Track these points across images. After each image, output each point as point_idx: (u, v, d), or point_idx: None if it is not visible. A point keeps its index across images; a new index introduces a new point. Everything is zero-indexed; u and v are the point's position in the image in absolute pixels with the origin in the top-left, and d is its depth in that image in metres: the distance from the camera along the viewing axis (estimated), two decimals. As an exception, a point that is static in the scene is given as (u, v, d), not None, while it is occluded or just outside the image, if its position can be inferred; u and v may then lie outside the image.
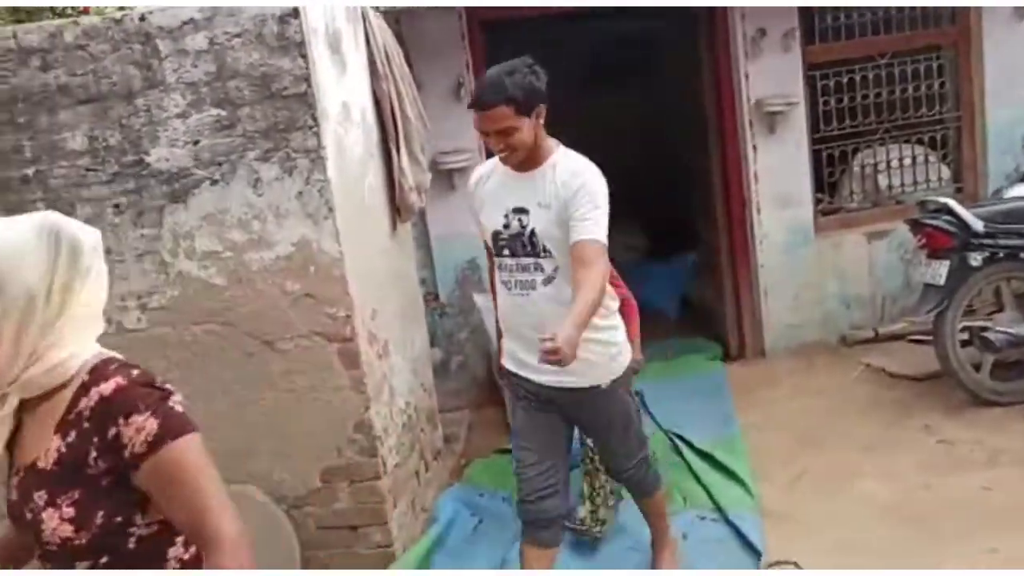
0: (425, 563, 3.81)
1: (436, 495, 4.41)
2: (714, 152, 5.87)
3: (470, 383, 5.79)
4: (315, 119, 3.31)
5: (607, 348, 3.05)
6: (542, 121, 2.88)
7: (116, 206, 3.44)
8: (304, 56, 3.28)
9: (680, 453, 4.67)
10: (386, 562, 3.65)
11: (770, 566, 3.54)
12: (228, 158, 3.36)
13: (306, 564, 3.58)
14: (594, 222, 2.78)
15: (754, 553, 3.63)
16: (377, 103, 4.07)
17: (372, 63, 4.04)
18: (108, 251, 3.34)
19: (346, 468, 3.59)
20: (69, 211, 3.42)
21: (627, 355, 3.16)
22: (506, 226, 2.97)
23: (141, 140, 3.37)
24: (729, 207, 5.84)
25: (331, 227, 3.39)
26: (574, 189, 2.82)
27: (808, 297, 5.85)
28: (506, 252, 3.00)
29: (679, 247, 7.43)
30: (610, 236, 8.23)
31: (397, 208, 4.23)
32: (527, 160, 2.91)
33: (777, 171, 5.68)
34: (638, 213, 8.63)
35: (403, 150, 4.13)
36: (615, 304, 3.16)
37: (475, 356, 5.79)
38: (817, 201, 5.86)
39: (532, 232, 2.91)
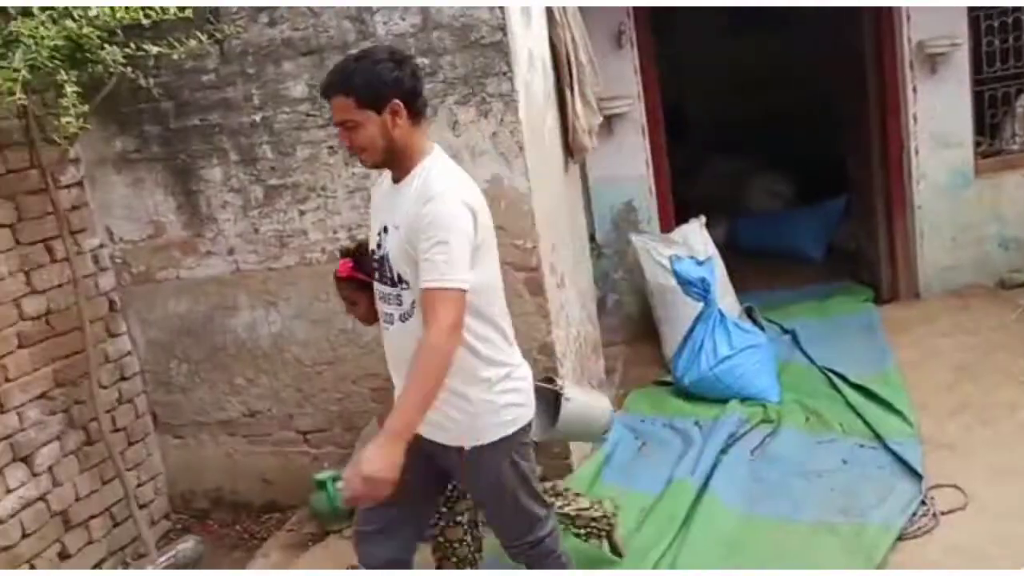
0: (596, 477, 4.15)
1: (602, 419, 4.73)
2: (872, 94, 5.88)
3: (625, 320, 6.07)
4: (509, 65, 3.62)
5: (470, 405, 2.48)
6: (401, 120, 2.38)
7: (330, 148, 3.85)
8: (501, 7, 3.58)
9: (835, 387, 4.83)
10: (564, 472, 4.01)
11: (931, 489, 3.69)
12: (430, 103, 3.70)
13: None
14: (432, 263, 2.30)
15: (915, 477, 3.79)
16: (553, 49, 4.35)
17: (550, 12, 4.31)
18: (323, 188, 3.81)
19: (530, 386, 3.94)
20: (290, 152, 3.88)
21: (507, 419, 2.54)
22: (379, 245, 2.53)
23: (354, 88, 3.75)
24: (886, 149, 5.86)
25: (521, 165, 3.71)
26: (423, 217, 2.33)
27: (966, 239, 5.85)
28: (377, 275, 2.58)
29: (827, 192, 7.46)
30: (753, 184, 8.26)
31: (570, 149, 4.52)
32: (397, 167, 2.48)
33: (937, 113, 5.67)
34: (785, 158, 8.69)
35: (577, 94, 4.40)
36: (496, 350, 2.52)
37: (630, 295, 6.06)
38: (977, 143, 5.82)
39: (386, 256, 2.49)
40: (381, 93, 2.35)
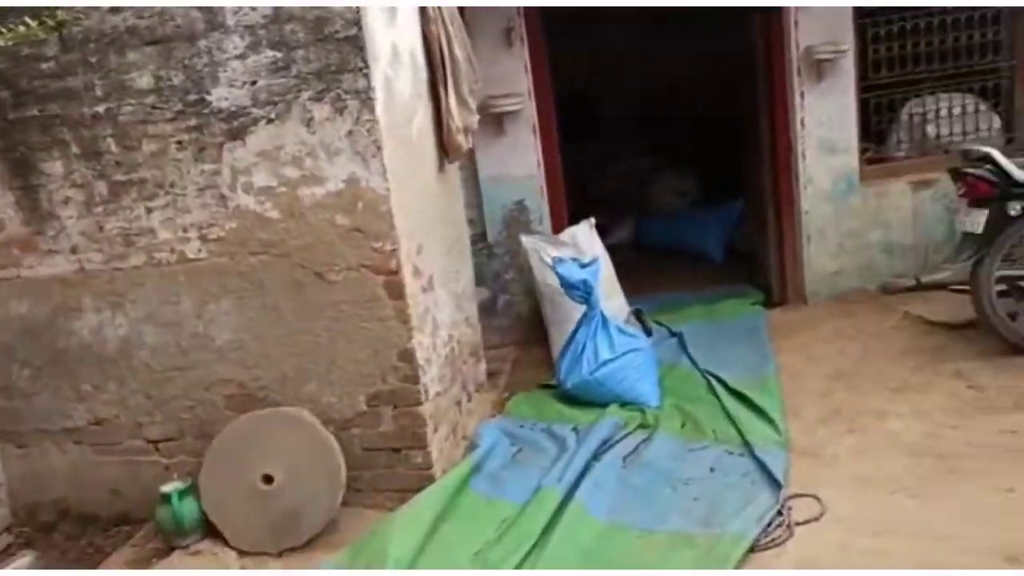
0: (463, 485, 4.03)
1: (477, 424, 4.63)
2: (762, 98, 5.89)
3: (516, 321, 6.00)
4: (365, 61, 3.48)
5: None
6: None
7: (179, 142, 3.67)
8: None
9: (714, 392, 4.81)
10: (426, 482, 3.89)
11: (790, 498, 3.67)
12: (283, 98, 3.56)
13: (352, 483, 3.83)
14: None
15: (775, 486, 3.76)
16: (427, 45, 4.22)
17: (423, 7, 4.18)
18: (172, 184, 3.63)
19: (390, 394, 3.82)
20: (136, 147, 3.69)
21: None
22: None
23: (203, 80, 3.59)
24: (776, 153, 5.88)
25: (379, 165, 3.58)
26: None
27: (852, 244, 5.90)
28: None
29: (730, 194, 7.50)
30: (659, 182, 8.28)
31: (445, 148, 4.40)
32: None
33: (824, 119, 5.71)
34: (690, 159, 8.74)
35: (451, 92, 4.28)
36: None
37: (521, 295, 5.98)
38: (864, 150, 5.87)
39: None
40: None
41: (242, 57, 3.54)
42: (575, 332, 5.01)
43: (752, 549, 3.37)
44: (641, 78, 9.19)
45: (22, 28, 3.29)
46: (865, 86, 5.76)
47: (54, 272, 3.86)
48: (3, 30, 3.26)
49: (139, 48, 3.59)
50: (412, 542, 3.58)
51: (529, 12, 5.56)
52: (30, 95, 3.68)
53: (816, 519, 3.52)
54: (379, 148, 3.57)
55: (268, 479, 3.70)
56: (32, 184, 3.78)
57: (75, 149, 3.72)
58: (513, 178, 5.84)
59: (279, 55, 3.52)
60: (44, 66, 3.65)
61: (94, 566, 3.77)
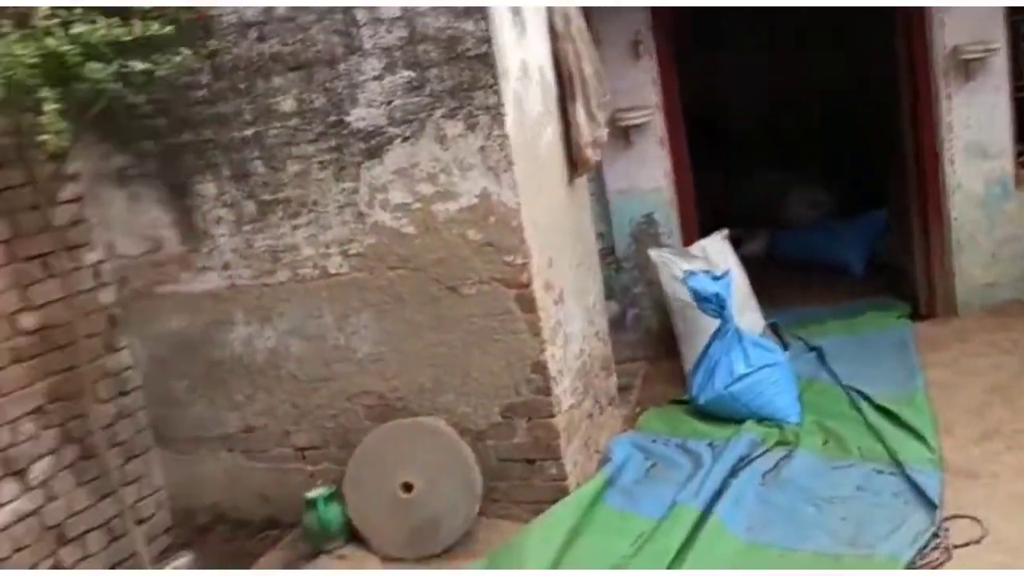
0: (598, 499, 4.01)
1: (609, 438, 4.60)
2: (905, 103, 5.65)
3: (645, 336, 5.93)
4: (495, 78, 3.55)
5: None
6: None
7: (321, 163, 3.82)
8: (485, 19, 3.51)
9: (858, 408, 4.62)
10: (560, 494, 3.89)
11: (947, 519, 3.48)
12: (418, 116, 3.66)
13: (488, 493, 3.87)
14: None
15: (931, 507, 3.58)
16: (557, 62, 4.26)
17: (551, 23, 4.22)
18: (314, 203, 3.80)
19: (524, 405, 3.85)
20: (281, 168, 3.87)
21: None
22: None
23: (342, 102, 3.73)
24: (921, 160, 5.61)
25: (510, 180, 3.63)
26: None
27: (1006, 253, 5.57)
28: None
29: (871, 204, 7.22)
30: (792, 194, 8.04)
31: (574, 162, 4.42)
32: None
33: (974, 122, 5.41)
34: (826, 170, 8.45)
35: (580, 106, 4.30)
36: None
37: (650, 310, 5.91)
38: (1019, 153, 5.54)
39: None
40: None
41: (379, 78, 3.67)
42: (708, 346, 4.91)
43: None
44: (779, 94, 8.99)
45: (177, 58, 3.51)
46: (1019, 86, 5.44)
47: (207, 288, 4.08)
48: (160, 61, 3.47)
49: (283, 74, 3.77)
50: (548, 554, 3.59)
51: (657, 24, 5.52)
52: (185, 122, 3.92)
53: (976, 542, 3.34)
54: (510, 163, 3.62)
55: (408, 487, 3.79)
56: (187, 205, 4.02)
57: (226, 171, 3.94)
58: (641, 191, 5.80)
59: (413, 75, 3.63)
60: (198, 94, 3.88)
61: (247, 567, 3.94)
